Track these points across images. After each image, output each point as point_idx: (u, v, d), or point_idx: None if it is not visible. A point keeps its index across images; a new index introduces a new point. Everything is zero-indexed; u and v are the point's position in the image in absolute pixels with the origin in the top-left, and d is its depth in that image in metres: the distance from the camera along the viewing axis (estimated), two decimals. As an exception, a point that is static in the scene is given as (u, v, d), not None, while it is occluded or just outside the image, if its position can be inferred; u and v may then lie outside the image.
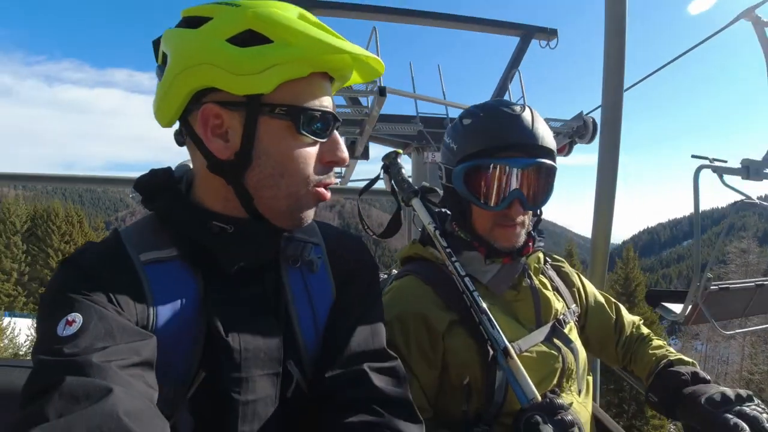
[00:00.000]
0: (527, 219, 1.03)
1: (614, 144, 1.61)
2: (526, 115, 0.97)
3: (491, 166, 0.96)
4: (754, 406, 0.84)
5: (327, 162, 0.67)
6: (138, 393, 0.50)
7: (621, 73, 1.56)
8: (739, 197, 1.69)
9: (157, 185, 0.68)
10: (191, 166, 0.71)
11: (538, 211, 1.06)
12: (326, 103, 0.65)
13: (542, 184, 0.99)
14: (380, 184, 1.28)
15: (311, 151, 0.64)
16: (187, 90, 0.61)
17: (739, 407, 0.83)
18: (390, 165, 1.14)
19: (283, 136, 0.62)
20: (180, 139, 0.68)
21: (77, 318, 0.53)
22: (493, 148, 0.96)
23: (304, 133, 0.62)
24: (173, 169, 0.73)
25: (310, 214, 0.68)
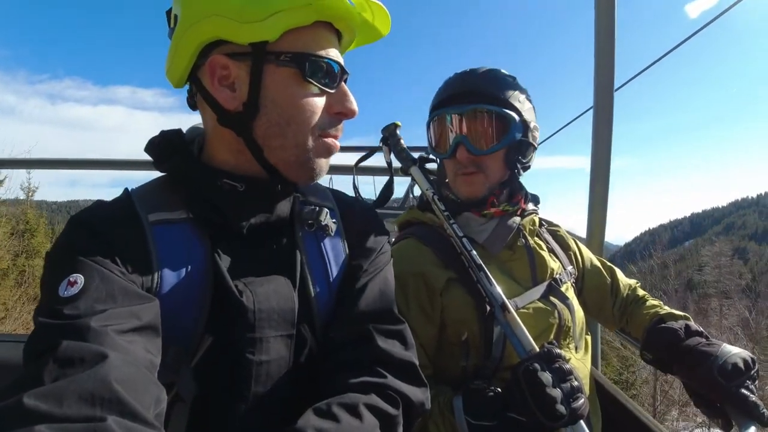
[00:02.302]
0: (491, 170, 1.02)
1: (606, 141, 1.61)
2: (475, 70, 1.05)
3: (433, 117, 1.07)
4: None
5: (335, 113, 0.66)
6: (134, 359, 0.49)
7: (611, 72, 1.57)
8: None
9: (168, 146, 0.68)
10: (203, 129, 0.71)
11: (517, 167, 1.03)
12: (333, 54, 0.64)
13: (486, 128, 0.99)
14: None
15: (318, 101, 0.64)
16: (196, 44, 0.61)
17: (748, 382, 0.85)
18: (389, 136, 1.16)
19: (289, 84, 0.62)
20: (192, 101, 0.68)
21: (79, 279, 0.52)
22: (438, 103, 1.07)
23: (311, 81, 0.62)
24: (184, 132, 0.73)
25: (322, 166, 0.67)
